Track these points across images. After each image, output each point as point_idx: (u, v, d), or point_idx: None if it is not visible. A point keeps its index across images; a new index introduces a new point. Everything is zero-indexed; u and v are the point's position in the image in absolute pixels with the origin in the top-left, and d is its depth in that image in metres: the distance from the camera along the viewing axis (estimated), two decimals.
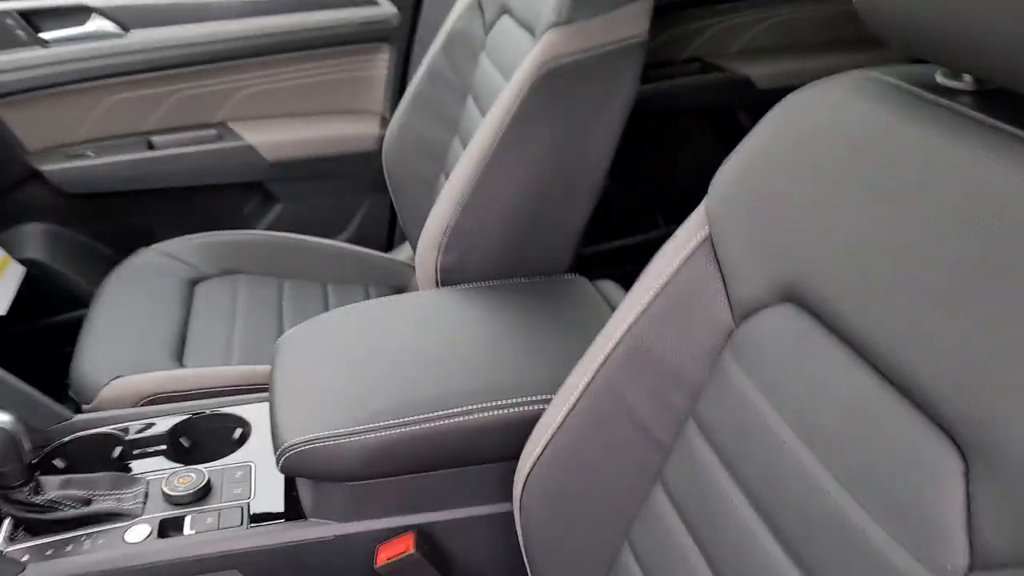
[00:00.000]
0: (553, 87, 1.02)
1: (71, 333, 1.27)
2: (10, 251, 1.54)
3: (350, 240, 1.67)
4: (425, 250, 1.12)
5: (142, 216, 1.67)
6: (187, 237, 1.47)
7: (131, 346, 1.21)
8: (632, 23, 1.02)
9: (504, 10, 1.26)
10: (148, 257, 1.44)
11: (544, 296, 1.07)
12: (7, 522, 0.89)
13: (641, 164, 1.60)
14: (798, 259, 0.56)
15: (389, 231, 1.77)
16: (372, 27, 1.68)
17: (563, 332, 0.99)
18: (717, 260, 0.65)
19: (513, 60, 1.12)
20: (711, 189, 0.67)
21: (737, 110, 1.71)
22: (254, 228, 1.70)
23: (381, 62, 1.71)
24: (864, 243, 0.51)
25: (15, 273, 1.52)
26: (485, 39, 1.33)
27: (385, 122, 1.68)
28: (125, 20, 1.55)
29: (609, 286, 1.09)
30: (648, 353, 0.68)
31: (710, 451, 0.64)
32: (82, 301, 1.47)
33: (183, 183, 1.64)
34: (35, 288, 1.54)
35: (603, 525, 0.73)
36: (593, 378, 0.72)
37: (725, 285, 0.64)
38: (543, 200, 1.09)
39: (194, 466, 0.96)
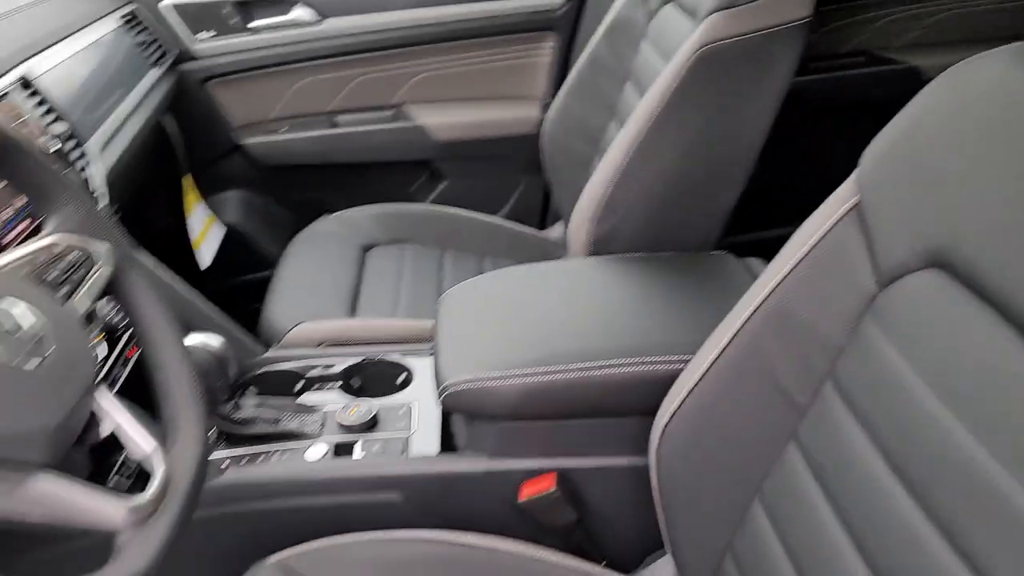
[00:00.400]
0: (711, 69, 1.06)
1: (259, 290, 1.44)
2: (216, 214, 1.76)
3: (507, 217, 1.76)
4: (578, 221, 1.19)
5: (323, 188, 1.85)
6: (362, 208, 1.62)
7: (312, 298, 1.36)
8: (797, 4, 1.03)
9: None
10: (328, 224, 1.60)
11: (690, 268, 1.12)
12: (212, 432, 1.05)
13: (798, 155, 1.60)
14: (949, 224, 0.58)
15: (543, 211, 1.86)
16: (539, 16, 1.77)
17: (707, 299, 1.03)
18: (865, 227, 0.67)
19: (674, 45, 1.16)
20: (863, 159, 0.70)
21: (904, 103, 1.66)
22: (421, 202, 1.84)
23: (546, 49, 1.80)
24: (1018, 209, 0.53)
25: (219, 232, 1.74)
26: (647, 26, 1.38)
27: (546, 107, 1.76)
28: (323, 8, 1.72)
29: (755, 262, 1.12)
30: (790, 315, 0.71)
31: (847, 412, 0.66)
32: (268, 262, 1.65)
33: (361, 159, 1.80)
34: (230, 248, 1.74)
35: (735, 480, 0.77)
36: (734, 337, 0.76)
37: (871, 252, 0.67)
38: (693, 178, 1.13)
39: (364, 399, 1.08)
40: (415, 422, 1.06)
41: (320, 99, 1.79)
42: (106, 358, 0.90)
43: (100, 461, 0.66)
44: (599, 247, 1.18)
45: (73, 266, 0.67)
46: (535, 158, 1.60)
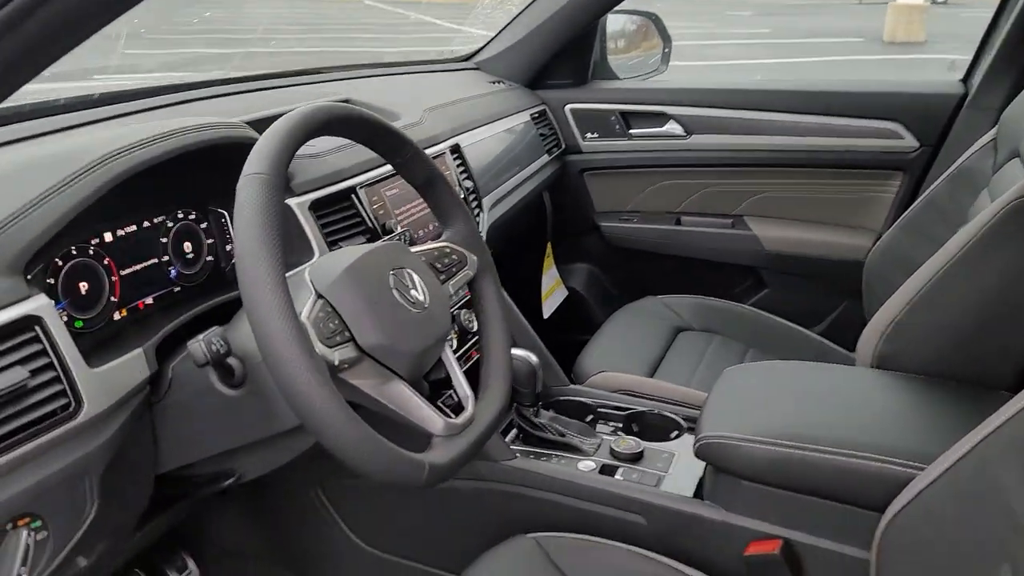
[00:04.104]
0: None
1: (582, 349, 1.71)
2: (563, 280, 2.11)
3: (822, 333, 1.85)
4: (869, 334, 1.28)
5: (655, 273, 2.10)
6: (684, 296, 1.83)
7: (620, 355, 1.60)
8: None
9: (1015, 154, 1.35)
10: (652, 303, 1.84)
11: (965, 399, 1.15)
12: (514, 429, 1.32)
13: None
14: None
15: (857, 335, 1.90)
16: (892, 156, 1.87)
17: (963, 425, 1.06)
18: None
19: None
20: None
21: None
22: (740, 303, 2.00)
23: (892, 187, 1.89)
24: None
25: (561, 294, 2.08)
26: (991, 177, 1.43)
27: (878, 237, 1.84)
28: (691, 126, 2.01)
29: None
30: None
31: None
32: (595, 327, 1.93)
33: (695, 255, 2.03)
34: (567, 309, 2.06)
35: None
36: (968, 453, 0.81)
37: None
38: (990, 318, 1.16)
39: (636, 438, 1.28)
40: (673, 467, 1.23)
41: (671, 199, 2.07)
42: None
43: (434, 392, 0.94)
44: (884, 362, 1.25)
45: (452, 264, 0.98)
46: (859, 285, 1.68)
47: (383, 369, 0.82)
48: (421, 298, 0.87)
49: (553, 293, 2.05)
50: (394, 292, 0.84)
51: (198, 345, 0.77)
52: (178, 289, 1.01)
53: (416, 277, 0.89)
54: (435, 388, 0.93)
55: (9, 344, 0.73)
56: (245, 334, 0.81)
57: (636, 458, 1.24)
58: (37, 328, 0.75)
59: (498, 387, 0.95)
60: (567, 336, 2.07)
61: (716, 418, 1.14)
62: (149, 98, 1.28)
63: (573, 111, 2.09)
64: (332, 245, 1.11)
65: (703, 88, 2.03)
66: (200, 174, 1.01)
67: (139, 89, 1.33)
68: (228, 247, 1.08)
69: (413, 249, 0.95)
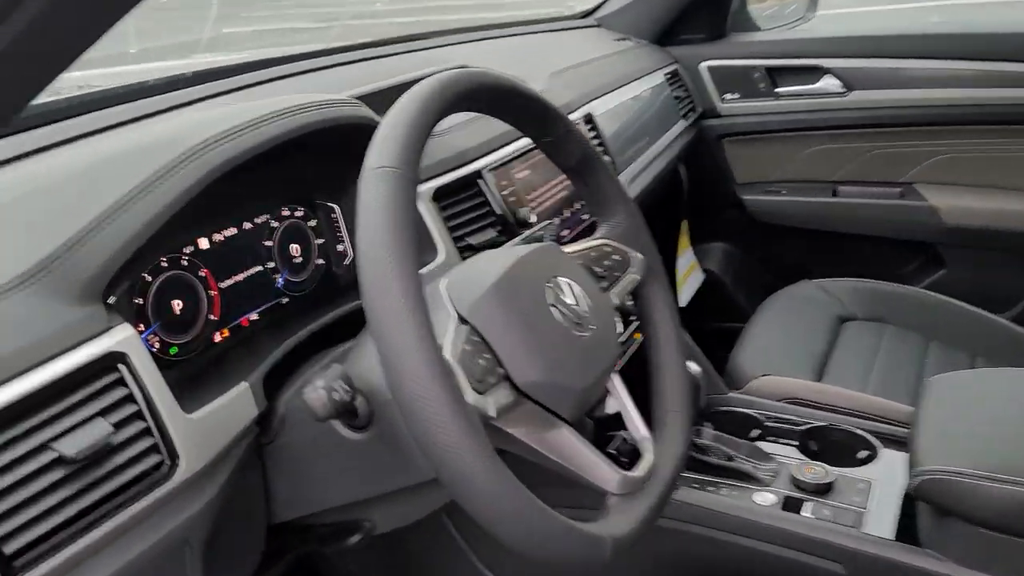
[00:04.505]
0: None
1: (725, 339, 1.49)
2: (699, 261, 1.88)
3: (1014, 320, 1.57)
4: None
5: (808, 253, 1.85)
6: (844, 279, 1.58)
7: (781, 354, 1.37)
8: None
9: None
10: (807, 289, 1.59)
11: None
12: None
13: None
14: None
15: None
16: None
17: None
18: None
19: None
20: None
21: None
22: (912, 285, 1.74)
23: None
24: None
25: (698, 278, 1.85)
26: None
27: None
28: (851, 80, 1.74)
29: None
30: None
31: None
32: (739, 315, 1.71)
33: (856, 231, 1.77)
34: (706, 294, 1.84)
35: None
36: None
37: None
38: None
39: (822, 463, 1.06)
40: (872, 501, 1.00)
41: (827, 167, 1.81)
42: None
43: (599, 431, 0.76)
44: None
45: (615, 266, 0.79)
46: None
47: (544, 412, 0.64)
48: (586, 314, 0.68)
49: (690, 277, 1.83)
50: (553, 310, 0.66)
51: (317, 395, 0.60)
52: (286, 300, 0.85)
53: (576, 287, 0.70)
54: (600, 427, 0.75)
55: (88, 391, 0.58)
56: (371, 367, 0.65)
57: (825, 489, 1.02)
58: (122, 367, 0.61)
59: (678, 425, 0.75)
60: (704, 325, 1.86)
61: (936, 447, 0.91)
62: (245, 74, 1.13)
63: (710, 69, 1.85)
64: (458, 241, 0.94)
65: (867, 35, 1.75)
66: (305, 162, 0.85)
67: (234, 65, 1.18)
68: (339, 247, 0.92)
69: (566, 249, 0.76)
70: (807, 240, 1.85)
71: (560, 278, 0.69)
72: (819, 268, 1.71)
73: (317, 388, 0.60)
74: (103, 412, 0.58)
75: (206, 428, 0.65)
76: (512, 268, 0.66)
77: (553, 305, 0.66)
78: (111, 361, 0.60)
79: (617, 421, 0.73)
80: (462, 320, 0.62)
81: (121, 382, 0.60)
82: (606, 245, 0.79)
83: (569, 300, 0.68)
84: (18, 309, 0.57)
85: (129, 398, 0.60)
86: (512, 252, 0.69)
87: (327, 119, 0.79)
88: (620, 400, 0.72)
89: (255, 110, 0.75)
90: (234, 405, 0.69)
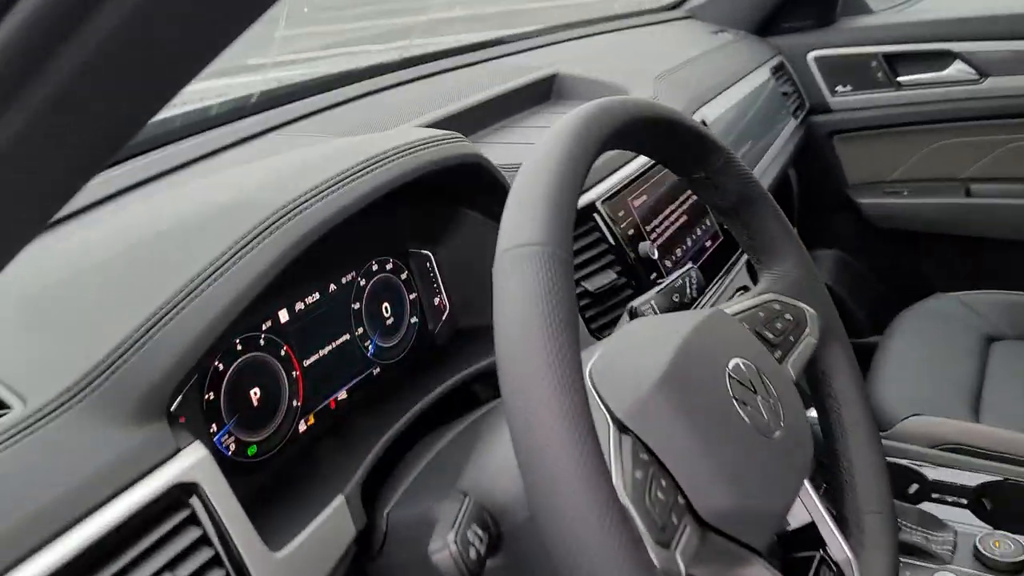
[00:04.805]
0: None
1: None
2: None
3: None
4: None
5: (935, 262, 1.65)
6: (987, 292, 1.40)
7: (927, 388, 1.19)
8: None
9: None
10: (944, 304, 1.41)
11: None
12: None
13: None
14: None
15: None
16: None
17: None
18: None
19: None
20: None
21: None
22: None
23: None
24: None
25: None
26: None
27: None
28: (986, 66, 1.54)
29: None
30: None
31: None
32: (856, 331, 1.53)
33: (996, 235, 1.56)
34: None
35: None
36: None
37: None
38: None
39: (1012, 535, 0.89)
40: None
41: (957, 164, 1.61)
42: None
43: (784, 552, 0.60)
44: None
45: (788, 329, 0.63)
46: None
47: (733, 546, 0.48)
48: (776, 406, 0.53)
49: None
50: (738, 408, 0.50)
51: (446, 553, 0.46)
52: (377, 371, 0.72)
53: (756, 369, 0.54)
54: (784, 543, 0.59)
55: (153, 539, 0.45)
56: (501, 488, 0.50)
57: (1020, 568, 0.85)
58: (195, 501, 0.47)
59: (884, 533, 0.59)
60: None
61: None
62: (318, 94, 1.00)
63: (818, 59, 1.66)
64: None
65: (1003, 14, 1.54)
66: (396, 206, 0.71)
67: (304, 83, 1.06)
68: (436, 299, 0.78)
69: (728, 311, 0.61)
70: (936, 247, 1.66)
71: (738, 359, 0.53)
72: (948, 279, 1.52)
73: (448, 543, 0.46)
74: (171, 565, 0.45)
75: (296, 568, 0.52)
76: (680, 351, 0.51)
77: (739, 400, 0.50)
78: (180, 494, 0.47)
79: (808, 538, 0.57)
80: (621, 428, 0.47)
81: (194, 520, 0.47)
82: (775, 302, 0.64)
83: (753, 389, 0.53)
84: (60, 438, 0.45)
85: (203, 540, 0.47)
86: (674, 326, 0.54)
87: (436, 160, 0.65)
88: (814, 511, 0.56)
89: (342, 159, 0.61)
90: (328, 529, 0.55)
